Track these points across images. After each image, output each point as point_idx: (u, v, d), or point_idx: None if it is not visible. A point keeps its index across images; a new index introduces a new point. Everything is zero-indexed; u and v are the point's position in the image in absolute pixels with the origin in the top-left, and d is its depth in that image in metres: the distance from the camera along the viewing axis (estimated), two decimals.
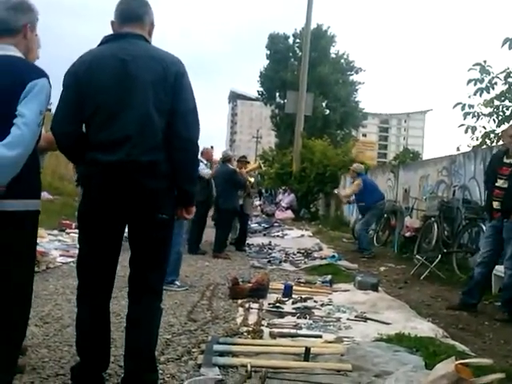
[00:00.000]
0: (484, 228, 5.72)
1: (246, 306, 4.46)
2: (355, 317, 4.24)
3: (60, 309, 4.08)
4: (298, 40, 35.76)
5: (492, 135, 8.02)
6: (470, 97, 8.11)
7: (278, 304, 4.58)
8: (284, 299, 4.77)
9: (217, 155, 9.06)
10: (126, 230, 2.46)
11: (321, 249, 9.07)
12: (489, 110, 8.09)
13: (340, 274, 6.49)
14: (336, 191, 9.86)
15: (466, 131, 8.24)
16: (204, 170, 7.55)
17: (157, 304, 2.48)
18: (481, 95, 8.03)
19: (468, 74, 8.07)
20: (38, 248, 2.42)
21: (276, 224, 13.94)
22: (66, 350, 3.07)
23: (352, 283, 5.71)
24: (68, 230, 8.75)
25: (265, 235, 11.60)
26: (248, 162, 9.19)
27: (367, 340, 3.56)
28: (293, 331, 3.71)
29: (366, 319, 4.18)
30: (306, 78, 19.06)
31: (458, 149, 8.49)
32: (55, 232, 8.55)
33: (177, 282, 5.19)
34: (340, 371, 2.87)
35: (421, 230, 7.83)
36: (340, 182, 15.98)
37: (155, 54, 2.39)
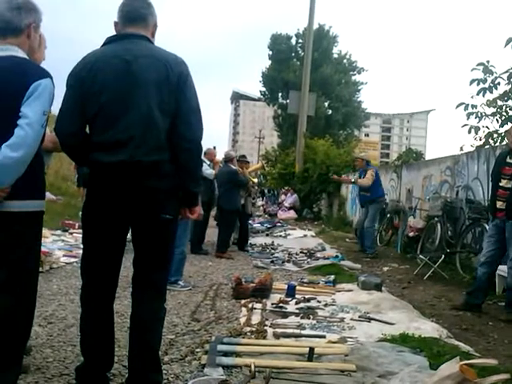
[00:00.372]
0: (487, 228, 5.70)
1: (250, 306, 4.46)
2: (359, 317, 4.23)
3: (64, 309, 4.09)
4: (300, 40, 35.76)
5: (495, 135, 7.98)
6: (472, 97, 8.09)
7: (281, 304, 4.58)
8: (287, 299, 4.76)
9: (219, 156, 9.05)
10: (130, 231, 2.47)
11: (324, 249, 9.05)
12: (492, 110, 8.05)
13: (343, 274, 6.48)
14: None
15: (470, 131, 8.21)
16: (207, 170, 7.55)
17: (160, 304, 2.49)
18: (484, 95, 7.99)
19: (471, 74, 8.03)
20: (42, 248, 2.42)
21: (279, 224, 13.91)
22: (70, 350, 3.08)
23: (355, 283, 5.69)
24: (71, 230, 8.77)
25: (267, 235, 11.58)
26: (248, 162, 9.16)
27: (371, 340, 3.55)
28: (296, 331, 3.70)
29: (369, 319, 4.17)
30: (309, 78, 19.03)
31: (461, 149, 8.48)
32: (58, 232, 8.57)
33: (180, 282, 5.21)
34: (344, 371, 2.87)
35: (424, 230, 7.85)
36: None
37: (158, 54, 2.38)
